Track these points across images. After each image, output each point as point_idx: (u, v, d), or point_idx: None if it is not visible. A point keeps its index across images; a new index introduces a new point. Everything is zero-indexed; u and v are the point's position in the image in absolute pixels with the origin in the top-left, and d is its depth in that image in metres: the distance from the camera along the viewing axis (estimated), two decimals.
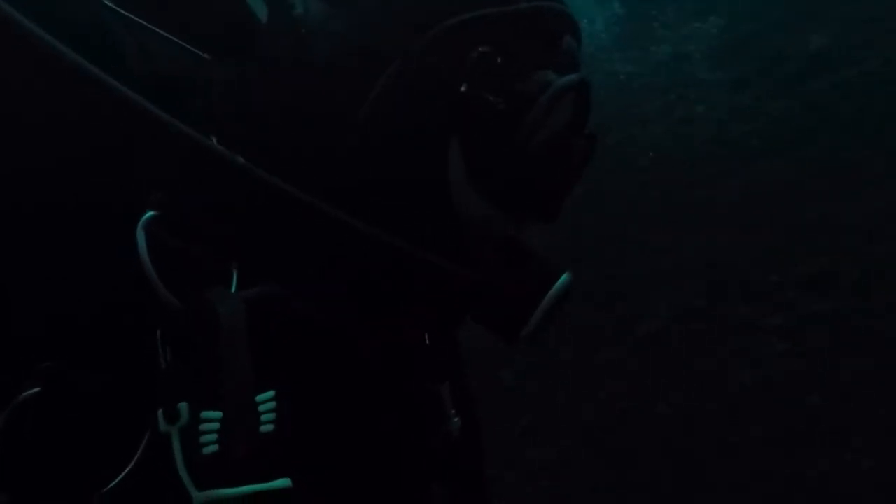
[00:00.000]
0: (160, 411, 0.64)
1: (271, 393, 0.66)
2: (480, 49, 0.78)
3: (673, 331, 4.69)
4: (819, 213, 4.67)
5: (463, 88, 0.77)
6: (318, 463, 0.76)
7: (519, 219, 0.87)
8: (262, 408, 0.65)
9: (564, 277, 0.84)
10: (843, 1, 5.45)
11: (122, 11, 0.78)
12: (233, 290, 0.69)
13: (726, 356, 4.50)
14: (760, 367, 4.40)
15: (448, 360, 0.99)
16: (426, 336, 0.95)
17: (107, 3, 0.78)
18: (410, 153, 0.80)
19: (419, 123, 0.79)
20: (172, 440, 0.63)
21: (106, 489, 0.65)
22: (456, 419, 0.96)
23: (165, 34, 0.80)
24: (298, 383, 0.70)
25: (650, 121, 5.85)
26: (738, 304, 4.67)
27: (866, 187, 4.67)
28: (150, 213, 0.67)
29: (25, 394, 0.65)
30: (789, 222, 4.74)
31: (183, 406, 0.64)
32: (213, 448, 0.63)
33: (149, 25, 0.79)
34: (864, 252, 4.50)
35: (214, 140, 0.73)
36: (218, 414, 0.64)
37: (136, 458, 0.66)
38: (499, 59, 0.78)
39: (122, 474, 0.66)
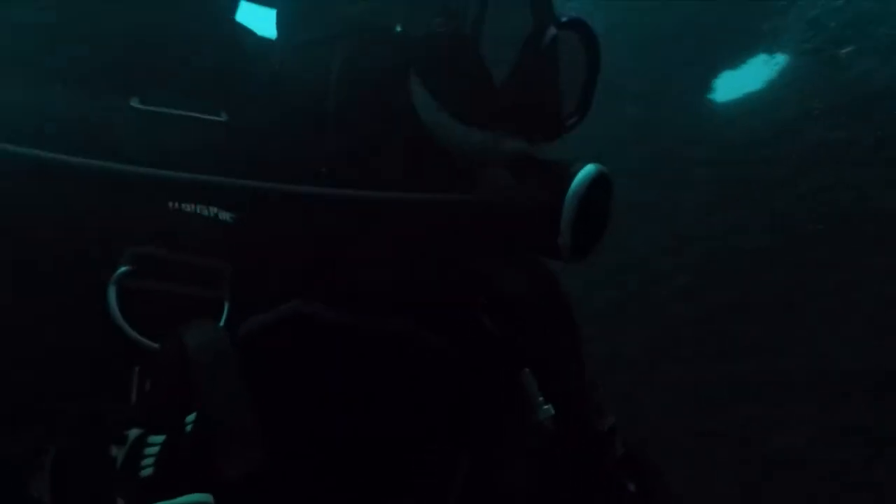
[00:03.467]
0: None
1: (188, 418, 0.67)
2: None
3: None
4: None
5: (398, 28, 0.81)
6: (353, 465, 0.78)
7: (520, 135, 0.85)
8: (150, 442, 0.66)
9: (585, 170, 0.81)
10: None
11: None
12: (222, 321, 0.72)
13: None
14: None
15: (523, 345, 0.93)
16: (487, 322, 0.91)
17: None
18: (382, 111, 0.83)
19: (378, 81, 0.83)
20: (116, 462, 0.66)
21: None
22: (546, 407, 0.90)
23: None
24: (332, 391, 0.76)
25: None
26: None
27: None
28: (122, 269, 0.70)
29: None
30: None
31: (132, 432, 0.66)
32: (149, 471, 0.64)
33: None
34: None
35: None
36: (160, 438, 0.65)
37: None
38: None
39: None
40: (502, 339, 0.91)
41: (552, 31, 0.83)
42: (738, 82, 5.43)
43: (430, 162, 0.83)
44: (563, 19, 0.85)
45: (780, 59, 5.33)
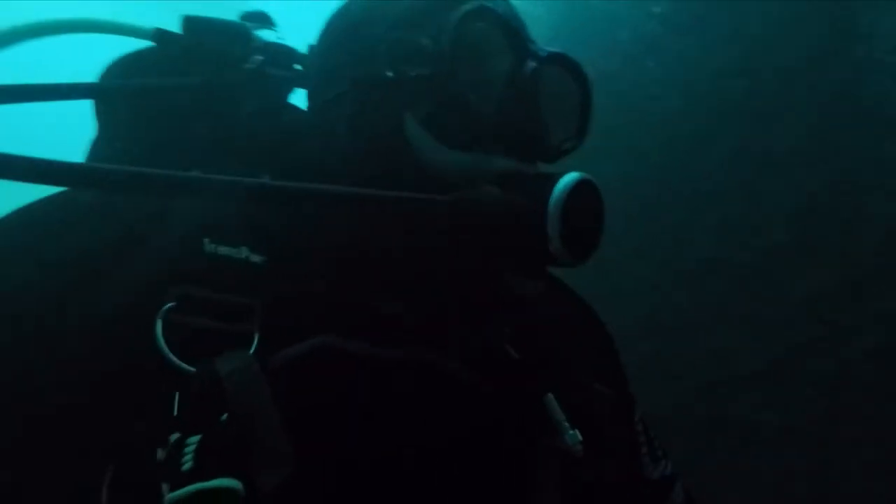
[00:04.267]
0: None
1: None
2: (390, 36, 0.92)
3: None
4: None
5: (389, 73, 0.90)
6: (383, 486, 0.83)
7: (511, 156, 0.91)
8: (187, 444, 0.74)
9: (567, 177, 0.85)
10: None
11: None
12: (251, 351, 0.80)
13: None
14: None
15: (546, 366, 0.97)
16: (511, 350, 0.96)
17: None
18: (381, 149, 0.91)
19: (376, 126, 0.92)
20: (161, 461, 0.73)
21: None
22: (572, 432, 0.91)
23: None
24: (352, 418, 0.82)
25: None
26: None
27: None
28: (168, 305, 0.80)
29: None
30: None
31: (173, 436, 0.74)
32: (190, 465, 0.72)
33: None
34: None
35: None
36: (197, 437, 0.73)
37: None
38: (405, 37, 0.91)
39: None
40: (526, 366, 0.95)
41: (530, 64, 0.92)
42: None
43: (425, 189, 0.88)
44: (543, 54, 0.94)
45: None
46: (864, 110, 4.57)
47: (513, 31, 0.93)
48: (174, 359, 0.78)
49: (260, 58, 1.04)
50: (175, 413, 0.76)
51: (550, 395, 0.93)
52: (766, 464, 4.61)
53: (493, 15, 0.92)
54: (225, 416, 0.74)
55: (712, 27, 4.96)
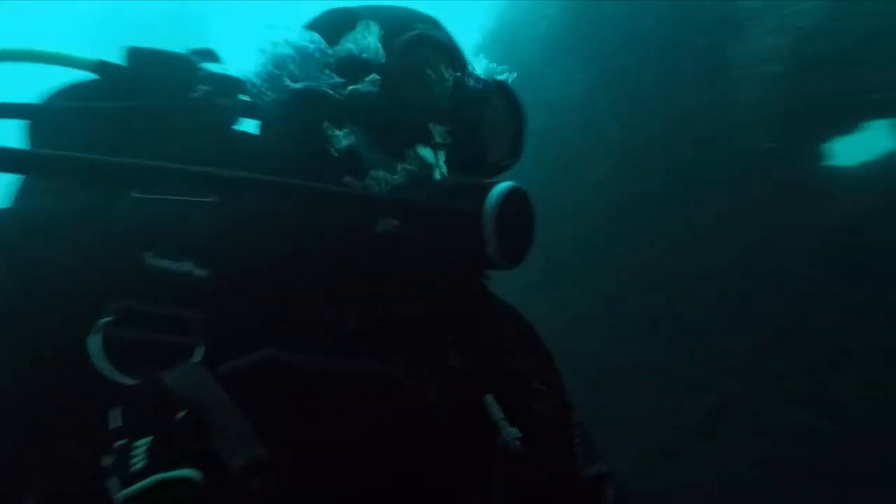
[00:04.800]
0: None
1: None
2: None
3: None
4: None
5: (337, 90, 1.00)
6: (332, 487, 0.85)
7: (455, 170, 0.99)
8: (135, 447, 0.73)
9: (500, 186, 0.92)
10: None
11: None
12: (195, 362, 0.81)
13: None
14: None
15: (487, 370, 1.00)
16: (453, 357, 0.98)
17: None
18: (327, 162, 0.98)
19: (322, 139, 0.99)
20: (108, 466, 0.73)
21: None
22: (511, 429, 0.95)
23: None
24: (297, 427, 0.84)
25: None
26: None
27: None
28: (105, 319, 0.81)
29: None
30: None
31: (119, 443, 0.74)
32: (141, 464, 0.72)
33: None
34: None
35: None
36: (147, 439, 0.73)
37: None
38: (354, 55, 1.01)
39: None
40: (467, 371, 0.98)
41: (471, 86, 1.02)
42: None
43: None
44: (480, 85, 1.03)
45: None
46: None
47: (455, 57, 1.03)
48: (112, 372, 0.78)
49: (205, 87, 1.05)
50: (119, 423, 0.75)
51: (490, 397, 0.97)
52: None
53: (436, 41, 1.02)
54: (181, 414, 0.74)
55: None
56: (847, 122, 4.91)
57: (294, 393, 0.85)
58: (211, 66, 1.10)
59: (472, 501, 0.95)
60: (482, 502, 0.95)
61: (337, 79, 1.00)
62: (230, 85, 1.08)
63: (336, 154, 0.98)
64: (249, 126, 1.10)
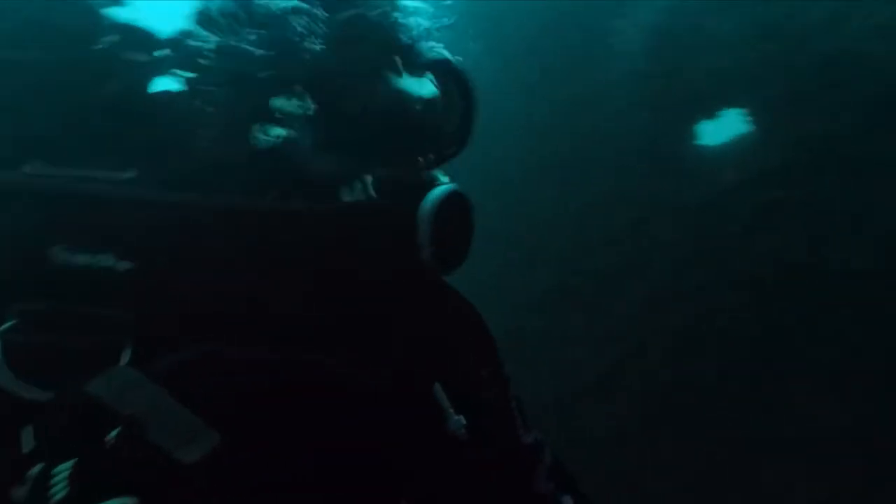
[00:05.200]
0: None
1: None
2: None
3: None
4: None
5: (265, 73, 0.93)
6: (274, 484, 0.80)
7: (391, 163, 0.94)
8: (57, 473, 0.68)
9: (438, 189, 0.89)
10: None
11: None
12: (124, 363, 0.75)
13: None
14: None
15: (431, 362, 0.97)
16: (396, 344, 0.94)
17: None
18: (257, 149, 0.92)
19: (249, 121, 0.92)
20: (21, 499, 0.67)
21: None
22: (457, 418, 0.94)
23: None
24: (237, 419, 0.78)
25: None
26: None
27: None
28: (7, 324, 0.73)
29: None
30: None
31: (33, 470, 0.68)
32: (63, 492, 0.66)
33: None
34: None
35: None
36: (68, 464, 0.67)
37: None
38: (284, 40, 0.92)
39: None
40: (411, 360, 0.94)
41: (409, 71, 0.94)
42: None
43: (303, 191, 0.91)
44: (424, 60, 0.96)
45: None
46: None
47: (392, 37, 0.95)
48: (17, 385, 0.71)
49: (114, 38, 0.93)
50: (33, 446, 0.69)
51: (438, 385, 0.95)
52: None
53: (370, 23, 0.95)
54: (114, 432, 0.68)
55: None
56: (708, 108, 5.48)
57: (235, 387, 0.80)
58: (119, 13, 0.97)
59: (421, 489, 0.94)
60: (430, 489, 0.95)
61: (255, 41, 0.92)
62: (143, 37, 0.95)
63: (271, 143, 0.90)
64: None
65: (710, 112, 5.45)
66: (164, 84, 0.95)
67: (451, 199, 0.90)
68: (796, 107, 5.07)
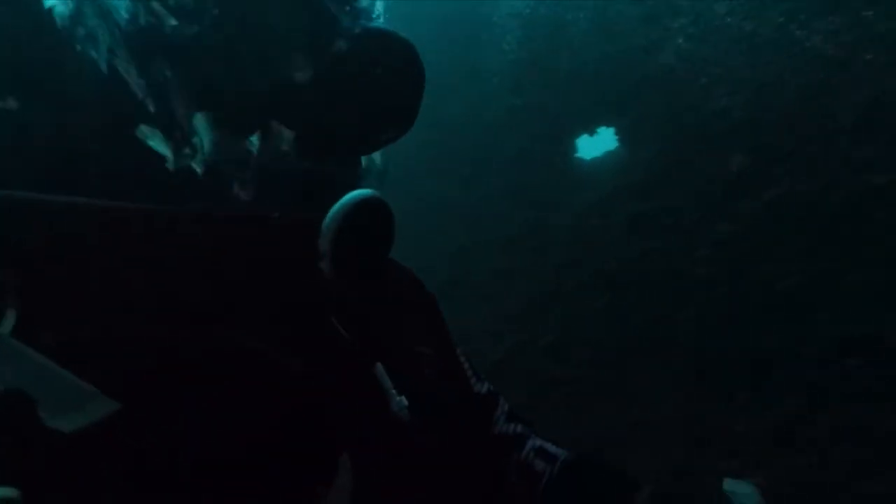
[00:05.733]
0: None
1: None
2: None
3: None
4: None
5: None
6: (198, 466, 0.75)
7: (312, 152, 0.85)
8: None
9: (350, 195, 0.80)
10: None
11: None
12: (7, 331, 0.68)
13: None
14: None
15: (375, 339, 0.94)
16: (336, 325, 0.90)
17: None
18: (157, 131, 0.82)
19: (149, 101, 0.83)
20: None
21: None
22: (399, 398, 0.90)
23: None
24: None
25: None
26: None
27: None
28: None
29: None
30: None
31: None
32: None
33: None
34: None
35: None
36: None
37: None
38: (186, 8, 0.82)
39: None
40: (352, 340, 0.90)
41: (339, 45, 0.84)
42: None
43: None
44: (357, 31, 0.85)
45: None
46: None
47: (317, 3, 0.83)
48: None
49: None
50: None
51: (380, 366, 0.91)
52: None
53: None
54: None
55: None
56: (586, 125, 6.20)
57: (139, 367, 0.74)
58: None
59: (360, 471, 0.87)
60: (369, 471, 0.88)
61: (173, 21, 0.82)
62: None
63: (174, 127, 0.82)
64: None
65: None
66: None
67: (365, 207, 0.81)
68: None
